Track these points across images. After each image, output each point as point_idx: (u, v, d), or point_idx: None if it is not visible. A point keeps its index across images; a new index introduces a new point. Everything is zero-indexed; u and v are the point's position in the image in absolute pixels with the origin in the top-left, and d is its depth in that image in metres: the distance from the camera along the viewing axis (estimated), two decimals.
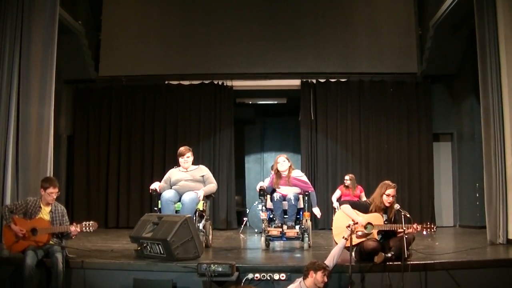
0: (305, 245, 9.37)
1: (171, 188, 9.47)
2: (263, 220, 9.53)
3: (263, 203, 9.72)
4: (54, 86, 10.68)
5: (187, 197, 9.14)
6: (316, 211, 9.73)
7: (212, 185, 9.65)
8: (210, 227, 10.05)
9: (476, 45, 10.40)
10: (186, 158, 9.61)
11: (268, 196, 9.69)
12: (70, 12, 12.80)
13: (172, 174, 9.68)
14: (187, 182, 9.45)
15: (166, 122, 14.99)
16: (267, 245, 9.51)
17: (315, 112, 14.73)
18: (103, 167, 14.82)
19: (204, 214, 9.44)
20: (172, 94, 15.08)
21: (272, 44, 14.48)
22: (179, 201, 9.26)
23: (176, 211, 9.16)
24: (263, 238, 9.48)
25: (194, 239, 7.93)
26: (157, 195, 9.45)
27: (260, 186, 9.71)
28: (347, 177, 12.64)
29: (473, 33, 10.64)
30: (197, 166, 9.82)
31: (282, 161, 9.55)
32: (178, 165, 9.79)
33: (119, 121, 15.02)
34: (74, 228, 7.79)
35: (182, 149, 9.73)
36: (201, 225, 9.21)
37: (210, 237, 9.96)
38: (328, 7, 14.69)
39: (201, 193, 9.26)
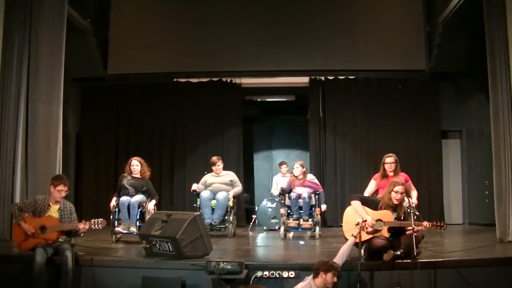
0: (317, 234, 11.05)
1: (206, 189, 11.62)
2: (282, 214, 11.34)
3: (282, 201, 11.67)
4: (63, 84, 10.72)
5: (221, 196, 11.40)
6: (323, 207, 11.68)
7: (239, 188, 11.95)
8: (235, 220, 11.98)
9: (485, 42, 10.36)
10: (218, 166, 11.85)
11: (287, 195, 11.53)
12: (78, 11, 12.78)
13: (207, 178, 11.90)
14: (218, 185, 11.68)
15: (174, 120, 15.00)
16: (285, 235, 11.23)
17: (323, 109, 14.71)
18: (112, 165, 14.81)
19: (233, 209, 11.66)
20: (180, 92, 15.08)
21: (280, 41, 14.39)
22: (214, 198, 11.43)
23: (212, 208, 11.36)
24: (282, 228, 11.21)
25: (203, 237, 7.95)
26: (197, 194, 11.64)
27: (281, 187, 11.91)
28: (390, 159, 9.73)
29: (482, 30, 10.57)
30: (226, 172, 12.05)
31: (296, 167, 11.51)
32: (209, 171, 12.08)
33: (128, 119, 15.05)
34: (82, 226, 7.83)
35: (214, 159, 11.97)
36: (231, 218, 11.53)
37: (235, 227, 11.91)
38: (336, 3, 14.62)
39: (231, 194, 11.56)
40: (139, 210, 10.28)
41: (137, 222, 10.17)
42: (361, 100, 14.75)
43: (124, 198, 10.34)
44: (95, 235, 10.16)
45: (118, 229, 10.15)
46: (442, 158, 14.73)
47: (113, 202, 10.44)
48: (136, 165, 10.82)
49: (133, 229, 10.07)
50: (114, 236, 10.20)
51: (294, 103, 16.21)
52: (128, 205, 10.25)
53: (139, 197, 10.41)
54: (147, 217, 9.97)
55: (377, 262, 7.40)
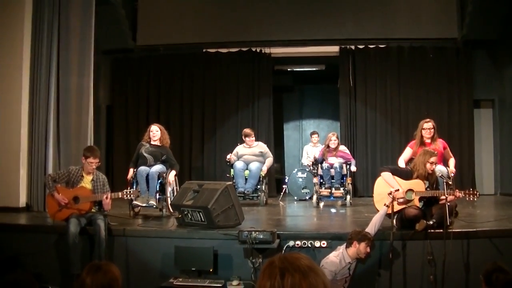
0: (348, 202, 11.45)
1: (238, 160, 11.99)
2: (315, 184, 11.72)
3: (315, 171, 11.97)
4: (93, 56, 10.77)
5: (253, 166, 11.81)
6: (353, 168, 12.09)
7: (270, 159, 12.31)
8: (267, 189, 12.42)
9: None
10: (251, 138, 12.18)
11: (319, 165, 11.87)
12: None
13: (239, 149, 12.28)
14: (250, 156, 12.04)
15: (204, 90, 14.97)
16: (318, 203, 11.52)
17: (354, 78, 14.55)
18: (142, 136, 14.85)
19: (265, 179, 12.00)
20: (210, 62, 15.02)
21: (310, 10, 14.25)
22: (247, 169, 11.82)
23: (245, 178, 11.73)
24: (315, 197, 11.63)
25: (235, 207, 7.98)
26: (231, 164, 11.97)
27: (314, 157, 12.37)
28: (428, 125, 9.09)
29: None
30: (257, 143, 12.37)
31: (334, 140, 11.93)
32: (241, 142, 12.45)
33: (158, 90, 15.06)
34: (105, 197, 7.87)
35: (248, 130, 12.34)
36: (263, 187, 11.84)
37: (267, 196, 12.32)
38: None
39: (265, 169, 11.92)
40: (159, 181, 9.59)
41: (157, 195, 9.50)
42: (392, 69, 14.55)
43: (142, 168, 9.57)
44: (127, 205, 9.59)
45: (136, 202, 9.29)
46: (474, 128, 14.53)
47: (131, 173, 9.80)
48: (156, 130, 9.99)
49: (153, 202, 9.37)
50: (132, 210, 9.45)
51: (324, 72, 16.08)
52: (147, 176, 9.51)
53: (158, 167, 9.66)
54: (168, 189, 9.53)
55: (410, 232, 7.39)
